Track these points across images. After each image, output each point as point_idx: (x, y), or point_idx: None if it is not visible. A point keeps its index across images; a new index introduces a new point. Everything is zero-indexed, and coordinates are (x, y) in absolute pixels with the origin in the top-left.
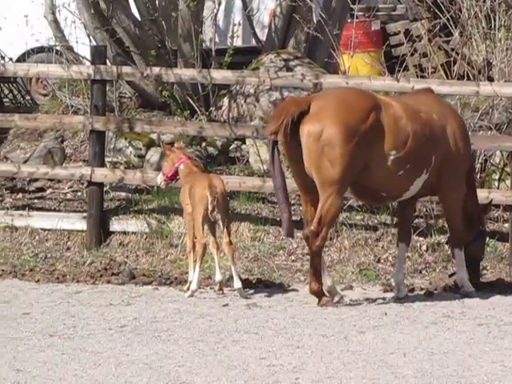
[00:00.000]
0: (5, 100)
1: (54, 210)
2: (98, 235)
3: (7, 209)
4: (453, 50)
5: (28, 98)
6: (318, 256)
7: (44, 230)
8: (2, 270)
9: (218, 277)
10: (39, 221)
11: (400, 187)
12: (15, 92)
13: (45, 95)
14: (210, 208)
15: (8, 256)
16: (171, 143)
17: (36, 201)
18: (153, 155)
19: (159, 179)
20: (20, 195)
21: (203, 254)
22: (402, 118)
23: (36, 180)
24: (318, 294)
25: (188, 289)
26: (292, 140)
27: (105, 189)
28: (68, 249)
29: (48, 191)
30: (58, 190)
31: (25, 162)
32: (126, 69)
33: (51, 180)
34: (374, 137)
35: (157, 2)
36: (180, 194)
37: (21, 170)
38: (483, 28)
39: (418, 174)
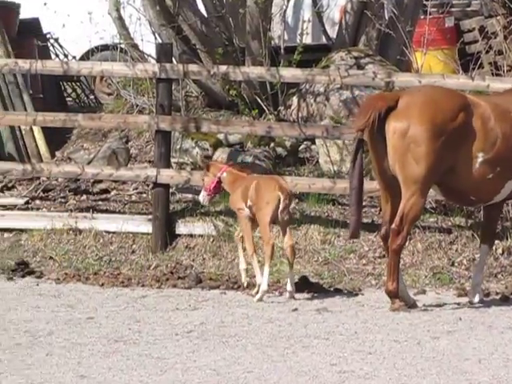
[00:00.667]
0: (68, 99)
1: (119, 212)
2: (163, 238)
3: (71, 211)
4: None
5: (92, 97)
6: (398, 255)
7: (108, 232)
8: (66, 274)
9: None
10: (103, 223)
11: (490, 190)
12: (79, 91)
13: (109, 94)
14: (281, 207)
15: (72, 259)
16: (239, 143)
17: (100, 203)
18: (220, 155)
19: (202, 197)
20: (84, 197)
21: (272, 255)
22: (491, 118)
23: (100, 181)
24: (393, 294)
25: (257, 292)
26: (377, 136)
27: (171, 190)
28: (133, 252)
29: (112, 193)
30: (123, 192)
31: (89, 162)
32: (193, 67)
33: (116, 181)
34: (462, 137)
35: None
36: (230, 201)
37: (85, 171)
38: None
39: (509, 176)
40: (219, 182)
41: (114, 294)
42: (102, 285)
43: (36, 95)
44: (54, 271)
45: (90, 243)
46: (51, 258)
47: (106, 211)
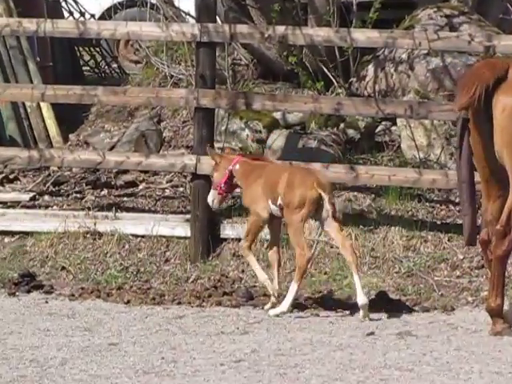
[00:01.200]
0: (85, 69)
1: (149, 211)
2: (205, 243)
3: (88, 209)
4: None
5: (115, 65)
6: (503, 264)
7: (135, 236)
8: (82, 289)
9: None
10: (129, 225)
11: None
12: (98, 58)
13: (136, 62)
14: (327, 211)
15: (90, 270)
16: (300, 124)
17: (125, 199)
18: (276, 139)
19: (211, 197)
20: (105, 192)
21: (305, 272)
22: None
23: (125, 172)
24: (496, 313)
25: (272, 306)
26: (481, 115)
27: None
28: (166, 261)
29: (141, 186)
30: (154, 185)
31: (111, 148)
32: (242, 28)
33: (145, 172)
34: None
35: None
36: (245, 197)
37: (106, 159)
38: None
39: None
40: (231, 176)
41: (142, 314)
42: (128, 302)
43: (45, 64)
44: (67, 285)
45: (112, 250)
46: (63, 268)
47: (133, 209)
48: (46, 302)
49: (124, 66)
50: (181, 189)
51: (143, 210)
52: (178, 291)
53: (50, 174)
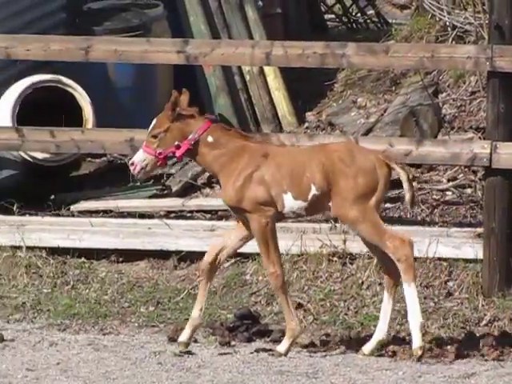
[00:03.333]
0: (329, 17)
1: (422, 223)
2: (504, 268)
3: (334, 221)
4: None
5: (371, 12)
6: None
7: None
8: (327, 336)
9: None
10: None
11: None
12: (347, 2)
13: (402, 7)
14: (408, 195)
15: (338, 308)
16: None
17: (388, 205)
18: None
19: (140, 159)
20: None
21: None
22: None
23: None
24: None
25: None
26: None
27: None
28: (448, 295)
29: None
30: (429, 186)
31: (366, 132)
32: None
33: (416, 166)
34: None
35: None
36: (231, 191)
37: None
38: None
39: None
40: (191, 149)
41: (413, 373)
42: (393, 355)
43: (271, 10)
44: (304, 330)
45: (369, 279)
46: (300, 305)
47: (399, 220)
48: (274, 355)
49: (385, 12)
50: (468, 190)
51: (413, 222)
52: (465, 338)
53: None
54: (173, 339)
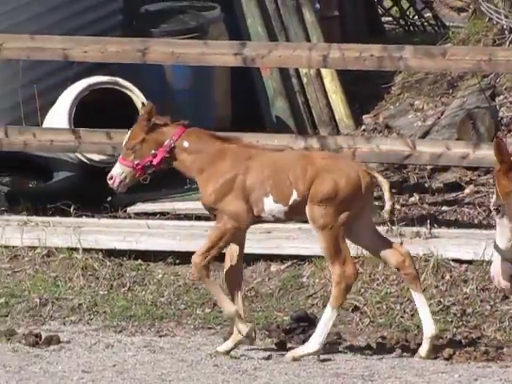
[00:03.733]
0: (386, 20)
1: (480, 226)
2: None
3: (391, 223)
4: None
5: (428, 15)
6: None
7: (460, 262)
8: (383, 338)
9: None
10: (451, 245)
11: None
12: (404, 5)
13: (460, 10)
14: (387, 208)
15: (394, 311)
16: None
17: (445, 208)
18: None
19: (118, 172)
20: (415, 198)
21: (344, 293)
22: None
23: (445, 169)
24: None
25: None
26: None
27: None
28: (505, 298)
29: (467, 190)
30: (486, 189)
31: (423, 135)
32: None
33: (473, 169)
34: None
35: None
36: (211, 193)
37: (416, 150)
38: None
39: None
40: (168, 156)
41: (469, 376)
42: (449, 358)
43: (328, 13)
44: (361, 333)
45: (426, 282)
46: (356, 308)
47: (456, 224)
48: (330, 359)
49: (442, 15)
50: None
51: (470, 225)
52: None
53: None
54: None
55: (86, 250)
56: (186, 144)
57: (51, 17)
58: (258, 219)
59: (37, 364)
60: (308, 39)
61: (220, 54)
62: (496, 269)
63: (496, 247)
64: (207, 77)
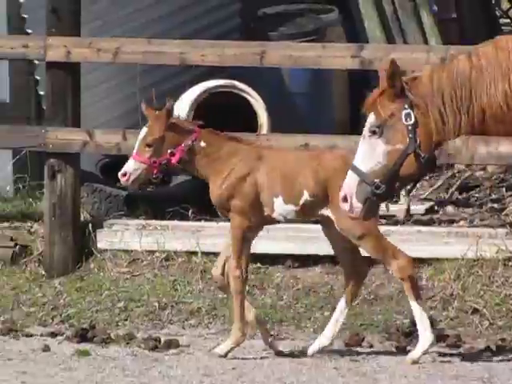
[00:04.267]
0: (504, 22)
1: None
2: None
3: (511, 226)
4: None
5: None
6: None
7: None
8: (502, 340)
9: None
10: None
11: None
12: None
13: None
14: None
15: None
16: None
17: None
18: None
19: (132, 168)
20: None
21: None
22: None
23: None
24: None
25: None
26: None
27: None
28: None
29: None
30: None
31: None
32: None
33: None
34: None
35: None
36: (219, 195)
37: None
38: None
39: None
40: (189, 154)
41: None
42: None
43: (446, 15)
44: (480, 336)
45: None
46: (476, 311)
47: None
48: (450, 361)
49: None
50: None
51: None
52: None
53: (454, 175)
54: (349, 344)
55: (204, 254)
56: (202, 144)
57: (169, 21)
58: (270, 219)
59: (156, 368)
60: (426, 42)
61: (337, 56)
62: (351, 189)
63: (355, 169)
64: (325, 80)
